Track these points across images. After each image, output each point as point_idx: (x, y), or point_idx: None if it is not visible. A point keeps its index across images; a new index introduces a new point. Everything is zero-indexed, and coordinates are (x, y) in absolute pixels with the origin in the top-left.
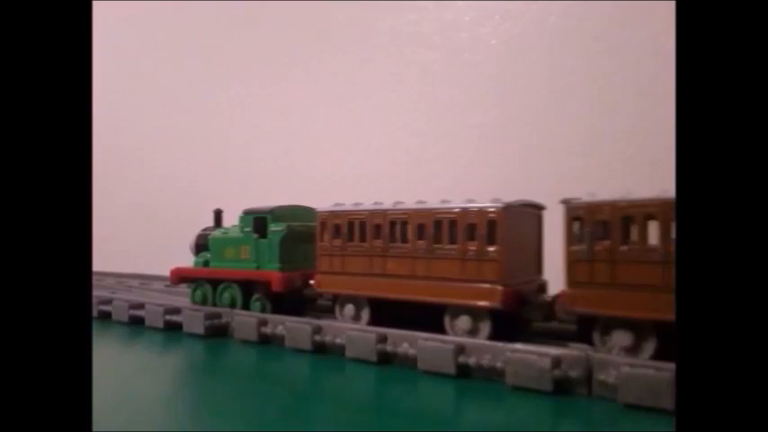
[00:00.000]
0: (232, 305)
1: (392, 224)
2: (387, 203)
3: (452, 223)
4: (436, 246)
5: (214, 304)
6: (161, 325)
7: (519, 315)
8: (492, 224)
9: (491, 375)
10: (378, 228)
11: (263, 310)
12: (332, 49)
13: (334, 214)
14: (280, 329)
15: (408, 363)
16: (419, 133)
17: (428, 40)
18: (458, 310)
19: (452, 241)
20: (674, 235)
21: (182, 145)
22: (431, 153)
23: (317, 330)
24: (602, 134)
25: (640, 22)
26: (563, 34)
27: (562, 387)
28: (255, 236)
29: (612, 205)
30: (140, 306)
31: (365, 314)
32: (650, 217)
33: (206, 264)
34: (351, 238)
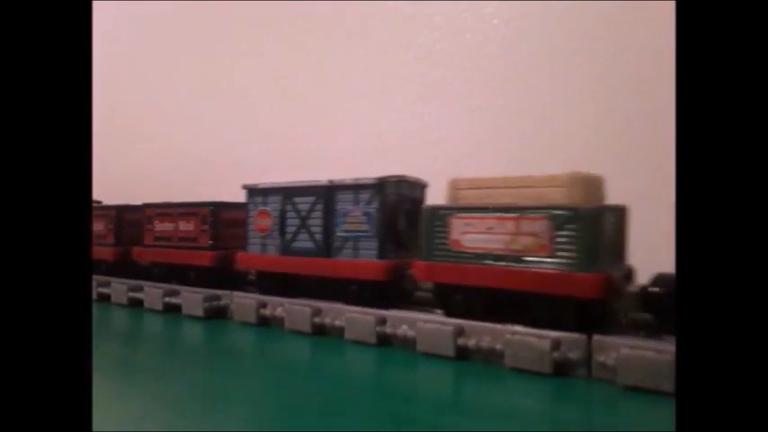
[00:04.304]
0: None
1: None
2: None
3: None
4: None
5: None
6: (160, 307)
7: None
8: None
9: (490, 357)
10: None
11: None
12: (332, 28)
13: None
14: (279, 311)
15: (407, 344)
16: (420, 115)
17: (430, 20)
18: None
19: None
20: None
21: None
22: (432, 136)
23: (317, 312)
24: (605, 117)
25: (646, 2)
26: (566, 14)
27: (561, 369)
28: None
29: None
30: (139, 288)
31: None
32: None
33: None
34: None
